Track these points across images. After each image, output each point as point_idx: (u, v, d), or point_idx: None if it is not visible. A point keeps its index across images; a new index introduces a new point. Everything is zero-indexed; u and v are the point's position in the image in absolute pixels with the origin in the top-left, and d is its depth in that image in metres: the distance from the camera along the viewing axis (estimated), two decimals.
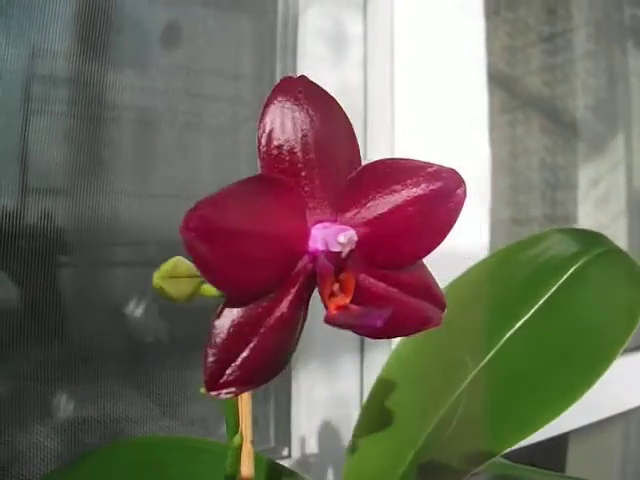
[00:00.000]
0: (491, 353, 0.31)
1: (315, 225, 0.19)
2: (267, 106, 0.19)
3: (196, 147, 0.52)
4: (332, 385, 0.54)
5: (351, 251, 0.19)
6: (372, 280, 0.21)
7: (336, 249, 0.18)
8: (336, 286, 0.19)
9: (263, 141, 0.19)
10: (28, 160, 0.44)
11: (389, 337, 0.22)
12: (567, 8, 0.83)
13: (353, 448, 0.35)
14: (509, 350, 0.31)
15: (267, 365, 0.19)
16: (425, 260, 0.22)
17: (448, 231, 0.21)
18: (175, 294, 0.20)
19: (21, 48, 0.43)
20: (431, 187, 0.20)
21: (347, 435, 0.55)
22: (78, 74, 0.45)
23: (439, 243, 0.21)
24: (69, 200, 0.45)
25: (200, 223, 0.16)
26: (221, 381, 0.18)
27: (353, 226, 0.19)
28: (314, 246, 0.19)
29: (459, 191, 0.21)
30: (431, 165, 0.20)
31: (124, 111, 0.49)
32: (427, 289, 0.22)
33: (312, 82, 0.20)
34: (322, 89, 0.20)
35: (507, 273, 0.35)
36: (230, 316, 0.18)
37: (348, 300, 0.19)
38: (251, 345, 0.18)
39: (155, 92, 0.50)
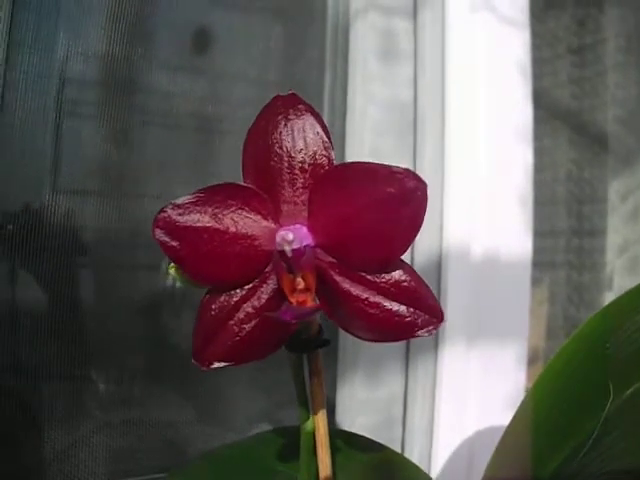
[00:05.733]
0: (637, 384, 0.28)
1: (285, 227, 0.21)
2: (255, 121, 0.22)
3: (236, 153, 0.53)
4: (376, 389, 0.55)
5: (299, 251, 0.20)
6: (349, 282, 0.21)
7: (279, 248, 0.20)
8: (302, 284, 0.21)
9: (244, 151, 0.21)
10: (60, 161, 0.46)
11: (376, 341, 0.22)
12: (597, 20, 0.83)
13: (491, 462, 0.34)
14: None
15: (250, 346, 0.22)
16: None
17: (414, 234, 0.21)
18: (183, 282, 0.23)
19: (54, 50, 0.45)
20: (387, 190, 0.20)
21: (388, 439, 0.54)
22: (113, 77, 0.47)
23: (407, 246, 0.21)
24: (101, 201, 0.47)
25: (166, 222, 0.20)
26: (204, 355, 0.21)
27: (319, 230, 0.21)
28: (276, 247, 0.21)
29: (418, 193, 0.20)
30: (386, 167, 0.20)
31: (178, 117, 0.51)
32: (414, 295, 0.21)
33: (297, 99, 0.21)
34: (306, 105, 0.21)
35: None
36: (212, 300, 0.21)
37: (309, 297, 0.20)
38: (229, 328, 0.21)
39: (197, 99, 0.52)
